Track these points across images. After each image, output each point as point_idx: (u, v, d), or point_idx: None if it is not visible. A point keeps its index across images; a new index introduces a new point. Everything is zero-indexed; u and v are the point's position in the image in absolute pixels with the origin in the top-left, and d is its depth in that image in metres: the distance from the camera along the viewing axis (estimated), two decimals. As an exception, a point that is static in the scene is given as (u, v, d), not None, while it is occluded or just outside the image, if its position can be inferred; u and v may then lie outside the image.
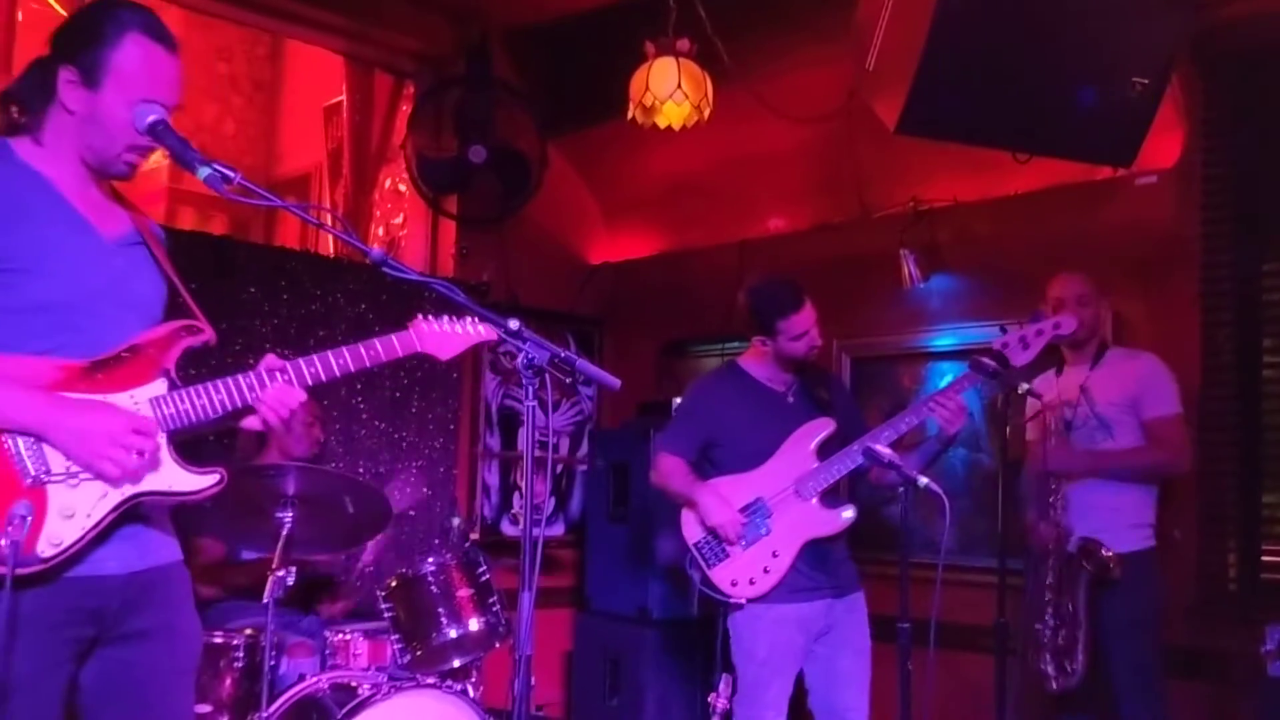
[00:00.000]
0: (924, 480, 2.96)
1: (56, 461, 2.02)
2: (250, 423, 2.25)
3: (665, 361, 6.08)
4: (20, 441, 2.00)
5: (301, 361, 2.26)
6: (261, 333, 4.87)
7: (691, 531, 3.67)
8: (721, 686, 2.91)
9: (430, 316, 2.41)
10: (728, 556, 3.62)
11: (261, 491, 3.37)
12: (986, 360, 3.46)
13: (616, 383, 2.25)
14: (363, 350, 2.31)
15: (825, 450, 3.63)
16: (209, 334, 2.25)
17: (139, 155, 2.18)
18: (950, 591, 3.13)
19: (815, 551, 3.61)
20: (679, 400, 3.99)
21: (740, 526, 3.59)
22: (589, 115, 5.72)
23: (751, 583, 3.59)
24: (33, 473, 2.00)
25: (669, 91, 4.41)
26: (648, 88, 4.44)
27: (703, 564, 3.64)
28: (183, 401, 2.15)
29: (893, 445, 3.36)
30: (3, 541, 1.89)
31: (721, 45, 4.63)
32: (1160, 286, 4.40)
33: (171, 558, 2.29)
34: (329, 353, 2.28)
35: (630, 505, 5.24)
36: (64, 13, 6.58)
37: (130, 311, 2.19)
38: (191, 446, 2.23)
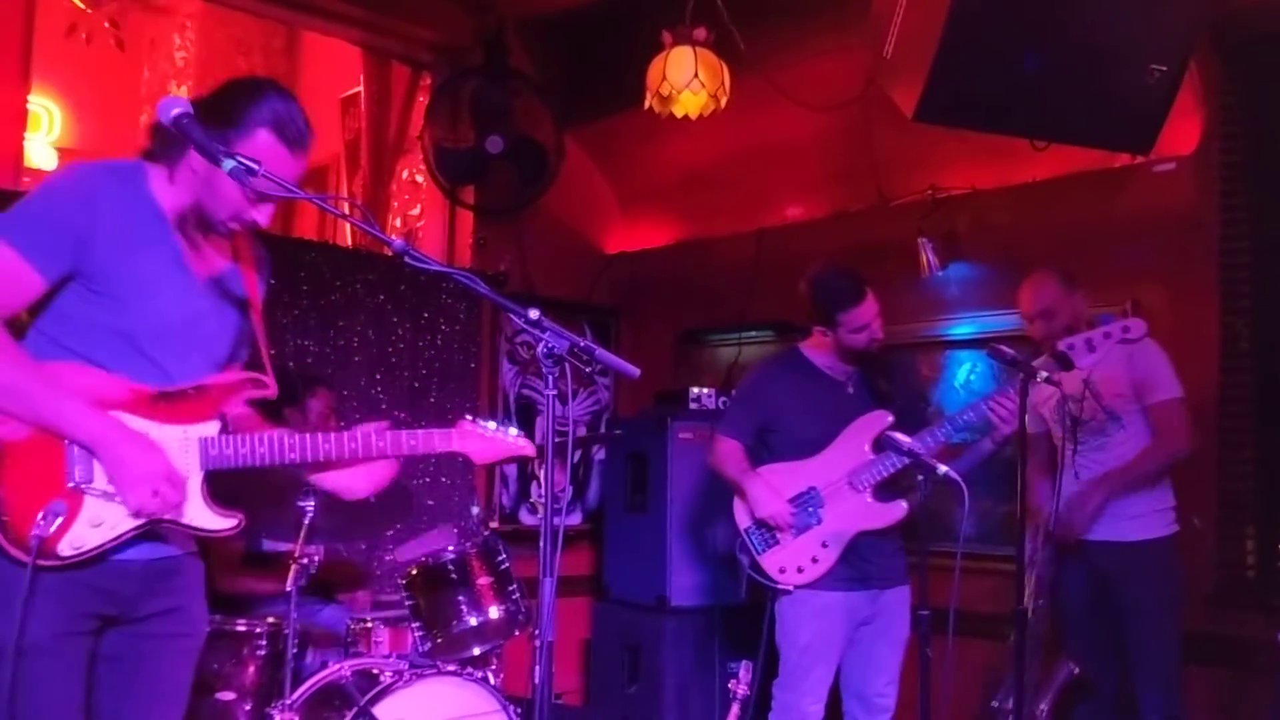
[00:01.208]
0: (943, 469, 2.97)
1: (100, 475, 2.18)
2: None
3: (682, 350, 6.08)
4: (76, 449, 2.16)
5: (345, 436, 2.41)
6: (282, 324, 4.89)
7: (743, 517, 3.72)
8: (742, 673, 2.92)
9: (476, 420, 2.56)
10: (777, 544, 3.66)
11: (283, 481, 3.40)
12: (1005, 348, 3.46)
13: (635, 371, 2.27)
14: (404, 439, 2.46)
15: (883, 443, 3.62)
16: (271, 390, 2.39)
17: (241, 225, 2.31)
18: (969, 580, 3.14)
19: (866, 542, 3.63)
20: (740, 384, 4.02)
21: (790, 517, 3.62)
22: (606, 105, 5.72)
23: (800, 571, 3.62)
24: (76, 479, 2.16)
25: (686, 80, 4.41)
26: (665, 77, 4.45)
27: (753, 549, 3.68)
28: (228, 446, 2.30)
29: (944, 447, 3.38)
30: (33, 533, 2.08)
31: (738, 34, 4.63)
32: (1179, 274, 4.38)
33: (187, 548, 2.41)
34: (373, 434, 2.43)
35: (648, 494, 5.25)
36: (82, 6, 6.63)
37: (196, 349, 2.34)
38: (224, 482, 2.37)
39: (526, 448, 2.57)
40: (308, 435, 2.38)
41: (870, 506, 3.62)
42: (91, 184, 2.22)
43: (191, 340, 2.32)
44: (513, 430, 2.59)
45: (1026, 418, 4.15)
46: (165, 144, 2.27)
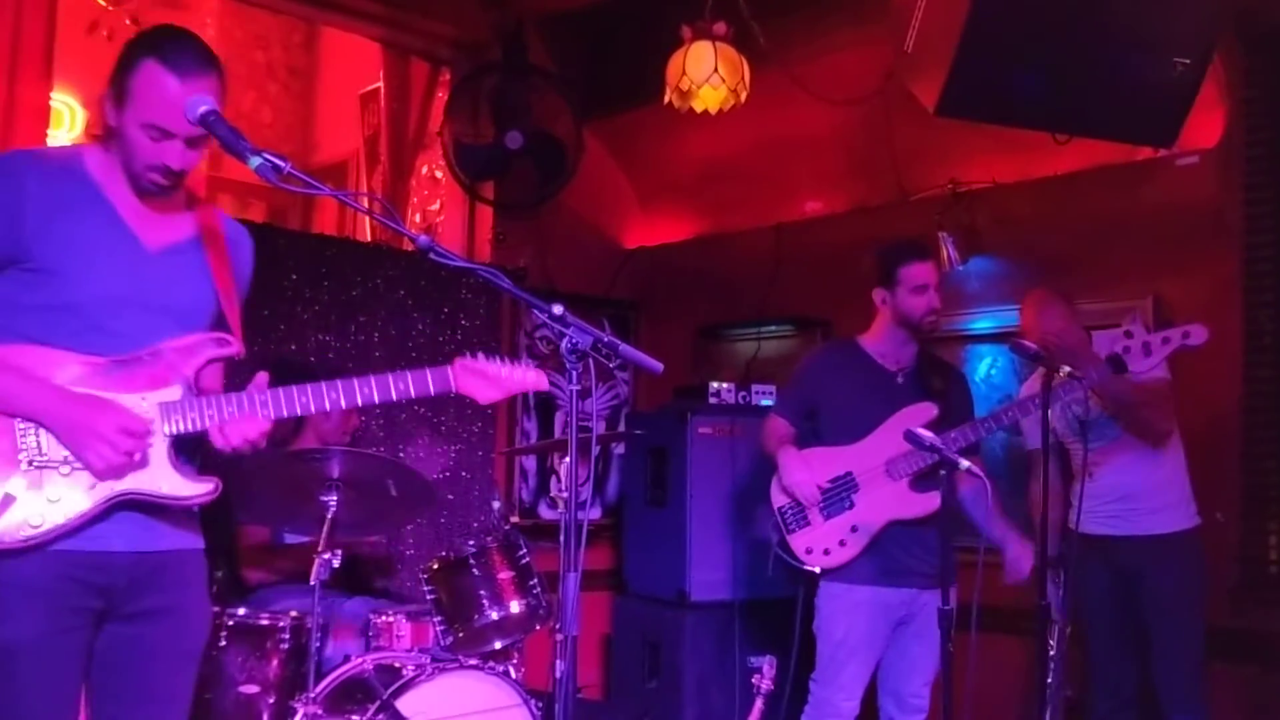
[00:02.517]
0: (965, 463, 2.96)
1: (55, 450, 2.12)
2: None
3: (701, 345, 6.08)
4: (23, 426, 2.11)
5: (324, 386, 2.30)
6: (303, 319, 4.91)
7: (777, 495, 3.75)
8: (766, 668, 2.92)
9: (478, 356, 2.42)
10: (808, 524, 3.68)
11: (306, 475, 3.41)
12: (1027, 343, 3.45)
13: (659, 366, 2.26)
14: (391, 382, 2.33)
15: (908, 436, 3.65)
16: (236, 348, 2.31)
17: (161, 175, 2.22)
18: (993, 574, 3.13)
19: (907, 536, 3.63)
20: (795, 368, 4.08)
21: (815, 490, 3.65)
22: (624, 100, 5.72)
23: (826, 553, 3.64)
24: (29, 456, 2.10)
25: (705, 75, 4.41)
26: (684, 72, 4.45)
27: (783, 527, 3.71)
28: (192, 409, 2.22)
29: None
30: None
31: (758, 28, 4.62)
32: (1202, 268, 4.35)
33: (186, 545, 2.34)
34: (355, 381, 2.31)
35: (667, 488, 5.25)
36: (104, 3, 6.66)
37: (166, 316, 2.26)
38: (195, 448, 2.28)
39: (536, 380, 2.42)
40: (280, 390, 2.26)
41: (905, 496, 3.63)
42: (15, 166, 2.21)
43: (153, 308, 2.24)
44: (522, 363, 2.43)
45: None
46: (106, 129, 2.26)
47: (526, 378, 2.43)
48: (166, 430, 2.20)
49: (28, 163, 2.22)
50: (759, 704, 2.90)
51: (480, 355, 2.43)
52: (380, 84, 6.34)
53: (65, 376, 2.15)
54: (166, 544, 2.29)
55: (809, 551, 3.67)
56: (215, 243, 2.37)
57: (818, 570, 3.66)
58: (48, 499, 2.11)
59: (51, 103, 4.99)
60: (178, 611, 2.31)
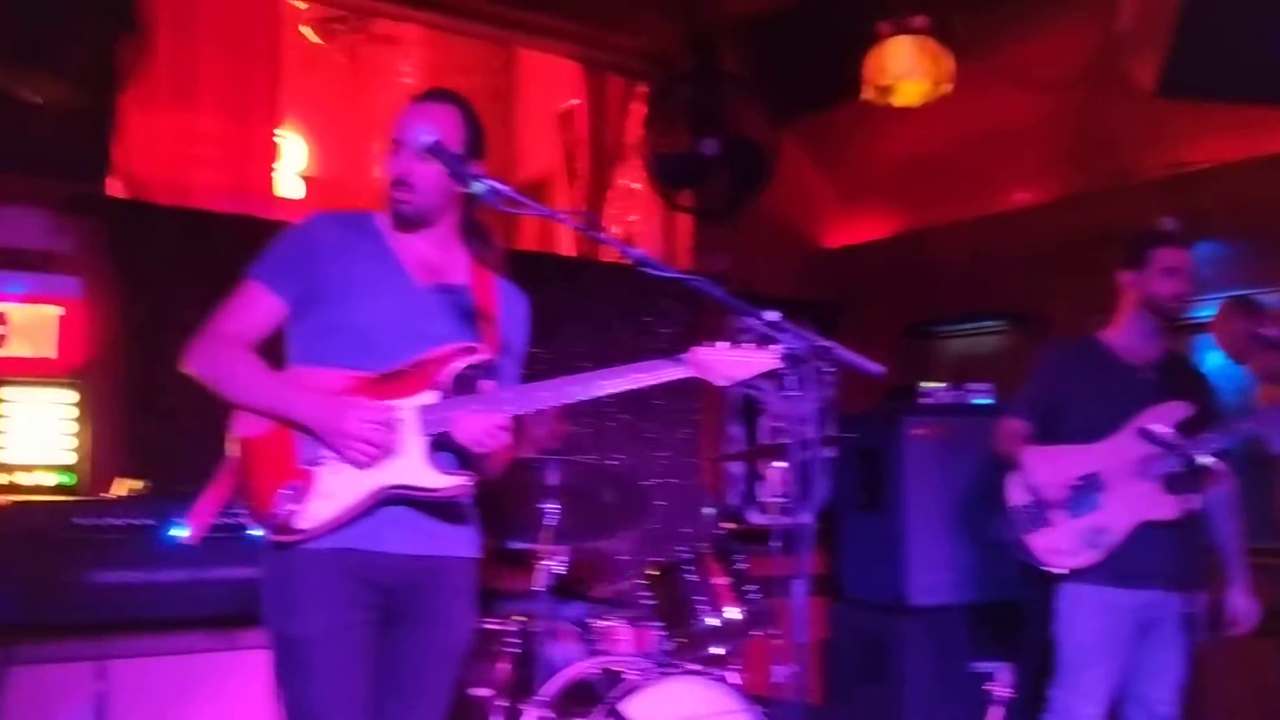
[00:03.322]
0: (1208, 459, 2.80)
1: (324, 451, 2.34)
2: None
3: (908, 345, 5.96)
4: (299, 433, 2.35)
5: (564, 381, 2.40)
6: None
7: (1016, 494, 3.65)
8: (1000, 674, 2.83)
9: (713, 344, 2.45)
10: (1049, 524, 3.57)
11: (524, 483, 3.52)
12: (1271, 331, 3.25)
13: (878, 369, 2.24)
14: (628, 372, 2.42)
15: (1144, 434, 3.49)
16: (484, 354, 2.45)
17: (397, 191, 2.46)
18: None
19: (1154, 537, 3.47)
20: (1031, 366, 3.97)
21: (1064, 490, 3.54)
22: (819, 100, 5.67)
23: (1071, 554, 3.52)
24: (305, 457, 2.34)
25: (905, 70, 4.34)
26: (883, 68, 4.39)
27: (1021, 528, 3.61)
28: (443, 410, 2.37)
29: None
30: (271, 512, 2.29)
31: (957, 18, 4.51)
32: None
33: (462, 552, 2.51)
34: (592, 374, 2.41)
35: (882, 492, 5.18)
36: (318, 40, 7.04)
37: (427, 342, 2.43)
38: (458, 449, 2.41)
39: (770, 360, 2.40)
40: (526, 386, 2.43)
41: (1155, 497, 3.46)
42: (313, 221, 2.53)
43: (414, 332, 2.42)
44: (749, 346, 2.42)
45: None
46: None
47: (761, 358, 2.42)
48: (422, 431, 2.35)
49: (325, 219, 2.55)
50: (995, 711, 2.81)
51: (714, 344, 2.45)
52: (577, 101, 6.48)
53: (338, 390, 2.37)
54: (438, 549, 2.45)
55: (1052, 553, 3.55)
56: (482, 290, 2.56)
57: (1058, 572, 3.54)
58: (322, 495, 2.32)
59: (276, 139, 5.32)
60: (445, 616, 2.48)
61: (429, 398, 2.38)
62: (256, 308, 2.44)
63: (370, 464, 2.31)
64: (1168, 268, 3.55)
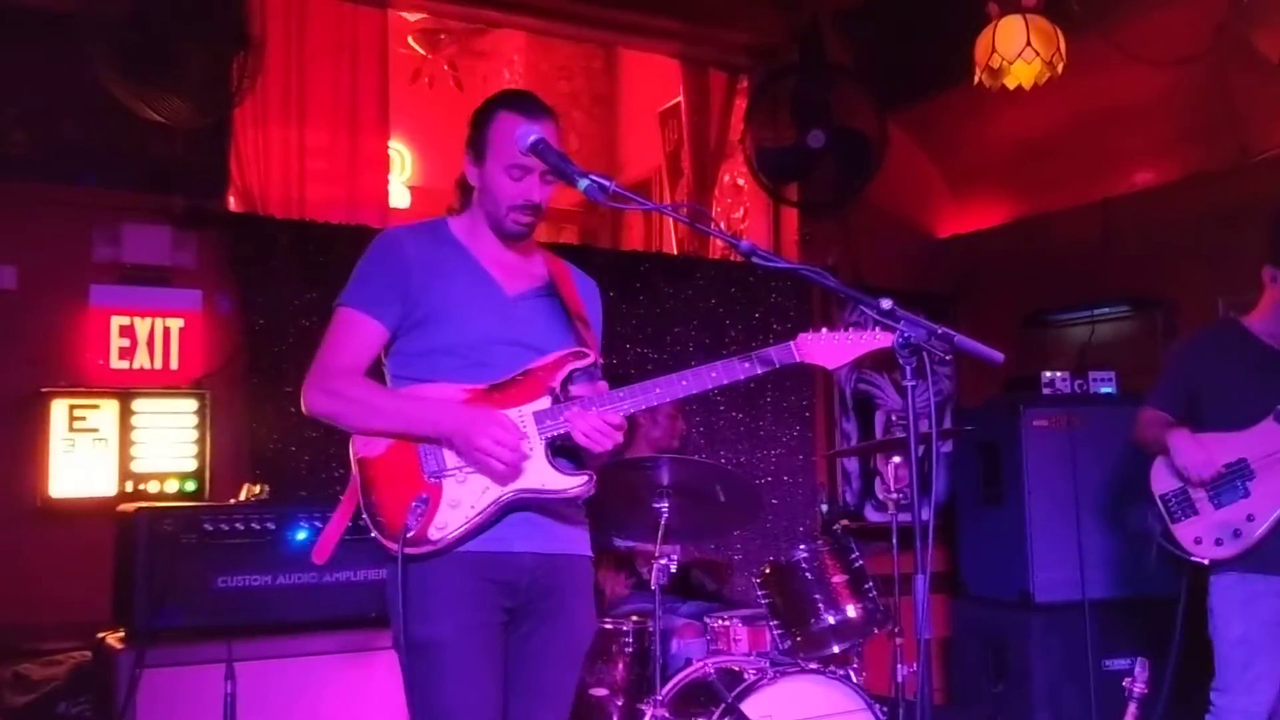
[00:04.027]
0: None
1: (450, 460, 2.38)
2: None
3: (1027, 334, 5.80)
4: (424, 446, 2.39)
5: (675, 376, 2.42)
6: (619, 333, 5.07)
7: (1160, 483, 3.57)
8: (1138, 671, 2.72)
9: (818, 330, 2.48)
10: (1196, 513, 3.48)
11: (639, 482, 3.50)
12: None
13: (999, 356, 2.16)
14: (737, 363, 2.42)
15: None
16: (592, 357, 2.49)
17: (525, 214, 2.49)
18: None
19: None
20: (1168, 354, 3.85)
21: (1212, 471, 3.44)
22: (928, 86, 5.58)
23: (1218, 543, 3.43)
24: (431, 469, 2.37)
25: (1017, 50, 4.22)
26: (994, 49, 4.27)
27: (1166, 517, 3.52)
28: (559, 414, 2.40)
29: None
30: (403, 525, 2.31)
31: (1071, -5, 4.38)
32: None
33: (579, 550, 2.54)
34: (701, 368, 2.42)
35: (1003, 485, 5.05)
36: (422, 51, 7.16)
37: (529, 351, 2.48)
38: (572, 451, 2.46)
39: (881, 339, 2.38)
40: (637, 384, 2.42)
41: None
42: (395, 242, 2.52)
43: (516, 343, 2.46)
44: (854, 330, 2.45)
45: None
46: (463, 197, 2.61)
47: (874, 337, 2.41)
48: (541, 435, 2.39)
49: (405, 237, 2.55)
50: (1132, 709, 2.70)
51: (821, 330, 2.47)
52: (679, 99, 6.47)
53: (455, 402, 2.42)
54: (561, 548, 2.48)
55: (1198, 542, 3.45)
56: (565, 287, 2.60)
57: (1207, 562, 3.42)
58: (449, 505, 2.36)
59: (387, 150, 5.41)
60: (568, 613, 2.49)
61: (543, 403, 2.43)
62: (361, 337, 2.47)
63: (508, 473, 2.35)
64: None
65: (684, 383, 2.40)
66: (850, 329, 2.46)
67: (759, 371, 2.44)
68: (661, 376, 2.42)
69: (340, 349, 2.47)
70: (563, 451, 2.43)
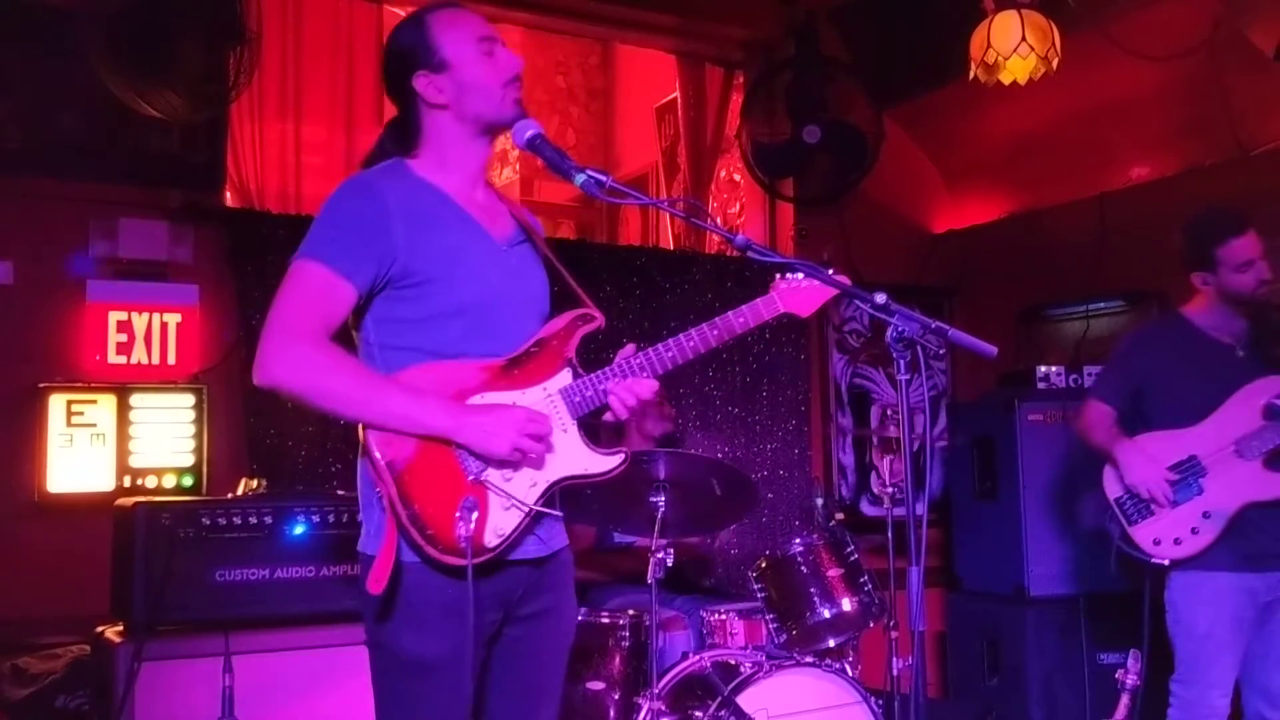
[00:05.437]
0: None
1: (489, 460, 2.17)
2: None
3: (1023, 329, 5.82)
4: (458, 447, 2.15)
5: (681, 336, 2.30)
6: (617, 328, 5.06)
7: (1113, 487, 3.56)
8: (1131, 662, 2.74)
9: (786, 276, 2.40)
10: (1152, 514, 3.47)
11: (634, 477, 3.51)
12: None
13: (992, 350, 2.16)
14: (732, 317, 2.33)
15: (1273, 410, 3.38)
16: (600, 320, 2.33)
17: (518, 87, 2.28)
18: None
19: (1266, 517, 3.37)
20: (1114, 348, 3.86)
21: (1165, 485, 3.43)
22: (924, 81, 5.58)
23: (1177, 543, 3.42)
24: (474, 470, 2.14)
25: (1013, 46, 4.22)
26: (989, 44, 4.27)
27: (1123, 520, 3.51)
28: (587, 388, 2.25)
29: None
30: (459, 533, 2.07)
31: (1066, -10, 4.38)
32: None
33: (564, 543, 2.40)
34: (701, 326, 2.31)
35: (998, 480, 5.07)
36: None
37: (528, 306, 2.31)
38: (594, 429, 2.34)
39: (839, 280, 2.31)
40: (650, 350, 2.27)
41: (1262, 476, 3.34)
42: (372, 187, 2.19)
43: (522, 299, 2.29)
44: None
45: None
46: (396, 139, 2.32)
47: (834, 278, 2.33)
48: (572, 414, 2.25)
49: (381, 183, 2.20)
50: (1125, 700, 2.72)
51: (787, 276, 2.41)
52: (676, 94, 6.48)
53: (472, 386, 2.19)
54: (555, 545, 2.32)
55: (1157, 543, 3.43)
56: (532, 230, 2.42)
57: (1167, 562, 3.42)
58: (500, 506, 2.15)
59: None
60: (557, 611, 2.36)
61: (565, 377, 2.26)
62: (330, 298, 2.12)
63: (546, 463, 2.18)
64: (1240, 264, 3.42)
65: (690, 341, 2.29)
66: (810, 275, 2.35)
67: (752, 324, 2.36)
68: (670, 339, 2.30)
69: (305, 309, 2.09)
70: (587, 428, 2.28)
